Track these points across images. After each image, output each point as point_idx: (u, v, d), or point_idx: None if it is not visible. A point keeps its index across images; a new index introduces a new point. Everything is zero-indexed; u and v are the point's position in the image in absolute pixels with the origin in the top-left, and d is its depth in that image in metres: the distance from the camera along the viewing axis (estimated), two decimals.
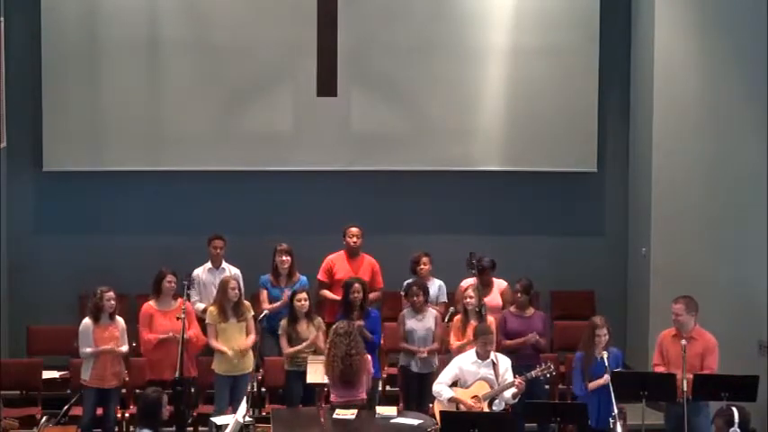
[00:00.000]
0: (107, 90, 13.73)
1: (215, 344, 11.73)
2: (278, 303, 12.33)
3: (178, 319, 11.69)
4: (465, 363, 11.02)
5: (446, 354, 11.86)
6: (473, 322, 11.63)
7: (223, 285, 11.84)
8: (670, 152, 13.32)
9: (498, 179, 14.18)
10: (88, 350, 11.53)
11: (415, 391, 11.88)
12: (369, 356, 11.01)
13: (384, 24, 13.88)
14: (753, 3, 12.98)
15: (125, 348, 11.70)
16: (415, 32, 13.89)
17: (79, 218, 13.95)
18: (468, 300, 11.76)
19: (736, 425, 8.81)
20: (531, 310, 12.08)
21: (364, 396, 10.86)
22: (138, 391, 11.78)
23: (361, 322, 11.79)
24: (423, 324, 11.96)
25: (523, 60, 13.96)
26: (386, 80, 13.93)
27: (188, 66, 13.81)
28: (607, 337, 10.95)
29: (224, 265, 12.82)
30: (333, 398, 10.84)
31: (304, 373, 11.50)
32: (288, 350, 11.72)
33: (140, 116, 13.79)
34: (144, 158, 13.84)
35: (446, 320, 12.05)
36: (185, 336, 11.59)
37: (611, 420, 10.38)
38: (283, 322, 11.82)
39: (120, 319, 11.73)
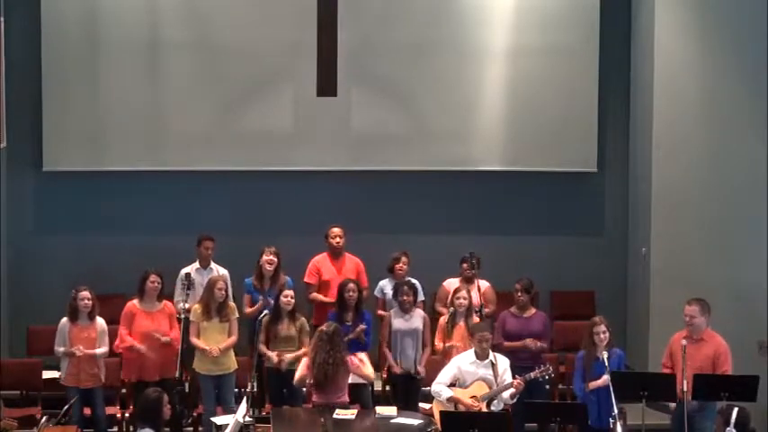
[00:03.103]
0: (107, 90, 13.75)
1: (196, 341, 11.73)
2: (256, 306, 12.32)
3: (179, 319, 11.71)
4: (464, 363, 11.02)
5: (432, 354, 11.90)
6: (461, 324, 11.64)
7: (210, 285, 11.84)
8: (670, 152, 13.32)
9: (498, 179, 14.18)
10: (60, 349, 11.64)
11: (401, 392, 11.89)
12: (353, 358, 10.97)
13: (384, 24, 13.88)
14: (753, 3, 12.98)
15: (101, 351, 11.69)
16: (414, 32, 13.89)
17: (79, 218, 13.96)
18: (462, 301, 11.74)
19: (731, 424, 8.82)
20: (531, 311, 12.06)
21: (345, 399, 10.84)
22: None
23: (363, 327, 11.78)
24: (409, 324, 11.94)
25: (523, 60, 13.97)
26: (386, 80, 13.93)
27: (188, 66, 13.82)
28: (606, 335, 10.93)
29: (212, 265, 12.82)
30: (314, 398, 10.86)
31: (286, 372, 11.54)
32: (264, 350, 11.68)
33: (140, 116, 13.81)
34: (144, 158, 13.85)
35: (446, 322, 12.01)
36: (167, 338, 11.70)
37: (611, 420, 10.37)
38: (266, 319, 11.78)
39: (100, 321, 11.75)
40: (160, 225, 13.92)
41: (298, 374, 11.07)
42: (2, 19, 13.11)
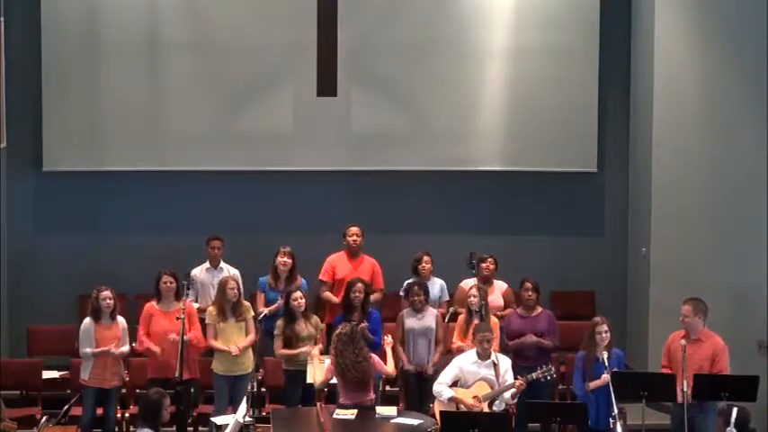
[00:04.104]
0: (107, 90, 13.75)
1: (215, 343, 11.70)
2: (275, 306, 12.29)
3: (178, 319, 11.68)
4: (465, 363, 11.01)
5: (447, 354, 11.85)
6: (476, 322, 11.62)
7: (222, 285, 11.82)
8: (670, 152, 13.32)
9: (498, 179, 14.18)
10: (88, 350, 11.49)
11: (414, 392, 11.86)
12: (374, 355, 10.98)
13: (384, 24, 13.89)
14: (753, 3, 12.98)
15: (125, 349, 11.67)
16: (415, 32, 13.90)
17: (79, 218, 13.97)
18: (472, 299, 11.74)
19: (732, 424, 8.82)
20: (537, 310, 12.03)
21: (373, 396, 10.82)
22: (138, 391, 11.80)
23: (364, 324, 11.76)
24: (422, 323, 11.93)
25: (523, 60, 13.97)
26: (386, 80, 13.93)
27: (188, 66, 13.82)
28: (608, 335, 10.92)
29: (222, 264, 12.82)
30: (342, 399, 10.76)
31: (304, 373, 11.51)
32: (283, 351, 11.66)
33: (140, 116, 13.82)
34: (144, 158, 13.85)
35: (446, 320, 12.03)
36: (186, 337, 11.59)
37: (611, 420, 10.37)
38: (280, 322, 11.74)
39: (121, 320, 11.70)
40: (160, 225, 13.92)
41: (320, 378, 10.98)
42: (2, 19, 13.12)
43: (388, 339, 11.28)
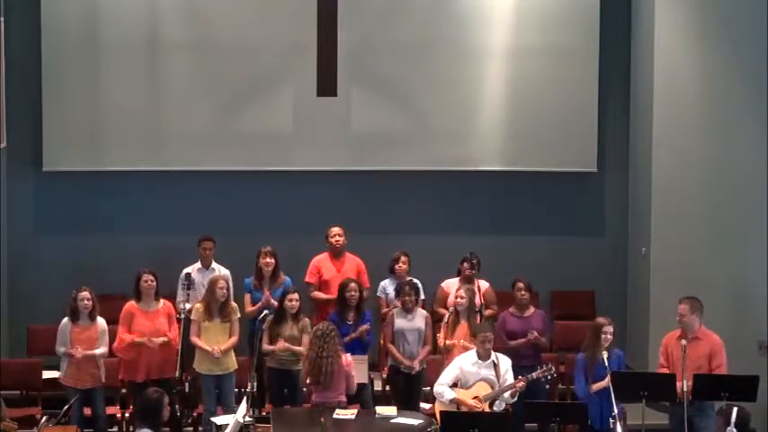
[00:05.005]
0: (107, 90, 13.75)
1: (196, 341, 11.74)
2: (258, 305, 12.30)
3: (179, 319, 11.71)
4: (466, 363, 11.02)
5: (433, 353, 11.90)
6: (463, 322, 11.64)
7: (212, 285, 11.85)
8: (670, 152, 13.32)
9: (498, 179, 14.18)
10: (61, 349, 11.63)
11: (402, 391, 11.87)
12: (348, 357, 11.00)
13: (384, 24, 13.89)
14: (753, 3, 12.98)
15: (100, 351, 11.67)
16: (415, 32, 13.90)
17: (79, 218, 13.97)
18: (460, 300, 11.74)
19: (732, 424, 8.82)
20: (530, 310, 12.06)
21: (343, 399, 10.89)
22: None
23: (366, 327, 11.78)
24: (412, 324, 11.93)
25: (523, 60, 13.97)
26: (386, 80, 13.93)
27: (188, 66, 13.82)
28: (612, 336, 10.92)
29: (213, 265, 12.83)
30: (313, 397, 10.92)
31: (285, 372, 11.56)
32: (266, 347, 11.69)
33: (140, 116, 13.82)
34: (144, 158, 13.85)
35: (446, 322, 12.02)
36: (162, 339, 11.69)
37: (612, 420, 10.37)
38: (269, 318, 11.79)
39: (101, 321, 11.75)
40: (160, 225, 13.92)
41: (302, 376, 11.13)
42: (2, 19, 13.12)
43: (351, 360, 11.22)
